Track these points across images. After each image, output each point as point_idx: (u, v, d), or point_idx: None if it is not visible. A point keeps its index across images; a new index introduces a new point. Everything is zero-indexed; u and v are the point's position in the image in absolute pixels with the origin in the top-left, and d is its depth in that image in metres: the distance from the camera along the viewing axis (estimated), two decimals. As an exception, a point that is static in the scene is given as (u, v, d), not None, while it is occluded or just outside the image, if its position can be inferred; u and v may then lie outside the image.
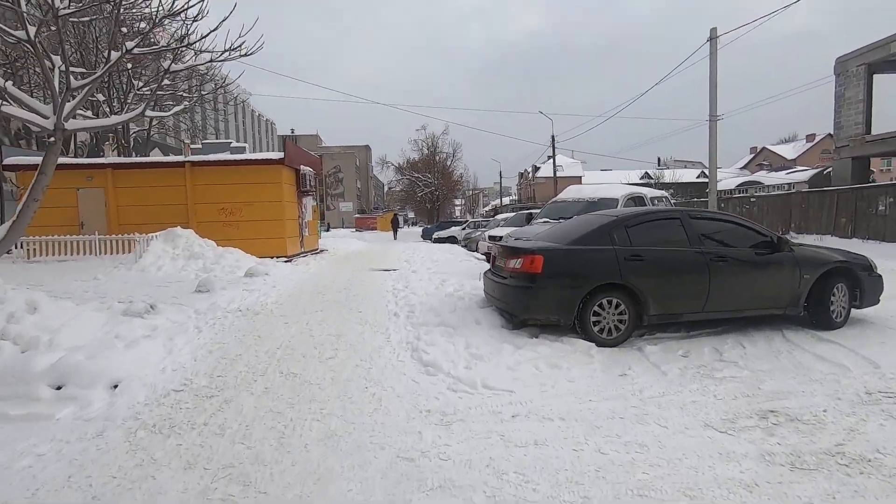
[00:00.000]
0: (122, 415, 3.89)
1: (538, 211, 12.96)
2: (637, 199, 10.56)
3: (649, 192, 11.63)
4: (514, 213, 16.25)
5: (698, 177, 70.54)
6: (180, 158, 14.36)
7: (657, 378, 4.60)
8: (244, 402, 4.09)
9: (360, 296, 8.42)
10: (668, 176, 59.72)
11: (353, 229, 66.00)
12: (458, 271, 10.88)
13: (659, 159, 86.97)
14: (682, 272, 5.81)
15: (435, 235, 26.15)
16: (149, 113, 7.62)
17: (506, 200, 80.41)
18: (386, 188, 55.27)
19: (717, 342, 5.59)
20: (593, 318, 5.64)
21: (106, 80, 14.26)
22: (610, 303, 5.68)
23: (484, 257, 15.56)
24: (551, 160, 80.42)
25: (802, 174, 54.30)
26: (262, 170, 14.43)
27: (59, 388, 4.17)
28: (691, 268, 5.81)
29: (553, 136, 40.95)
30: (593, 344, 5.52)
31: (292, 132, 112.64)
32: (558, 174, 79.10)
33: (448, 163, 39.18)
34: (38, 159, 8.77)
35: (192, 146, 16.00)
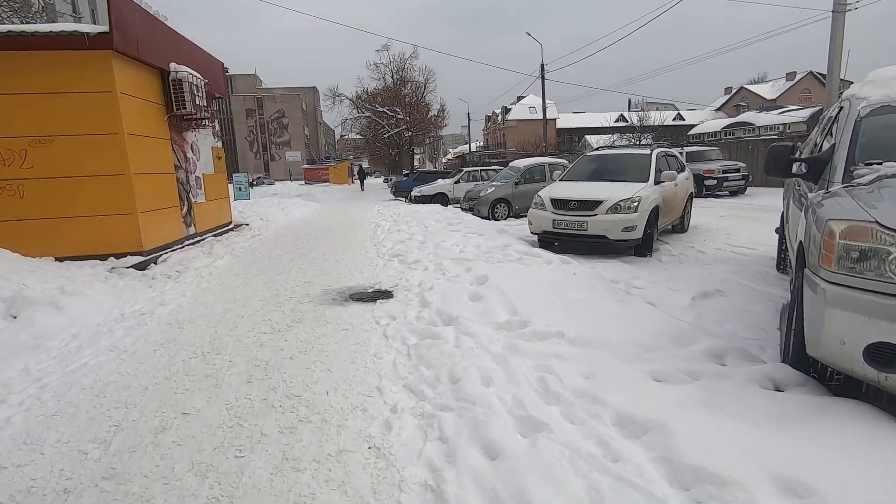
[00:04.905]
0: None
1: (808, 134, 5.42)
2: None
3: None
4: (627, 145, 8.65)
5: (675, 119, 65.66)
6: None
7: None
8: None
9: None
10: (655, 118, 52.90)
11: (302, 181, 56.63)
12: (582, 315, 3.66)
13: (630, 101, 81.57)
14: None
15: (415, 191, 18.53)
16: None
17: (466, 148, 72.52)
18: (338, 134, 45.90)
19: None
20: None
21: None
22: None
23: (536, 237, 8.32)
24: (522, 101, 72.68)
25: (797, 113, 48.88)
26: (62, 61, 6.35)
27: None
28: None
29: (543, 65, 32.78)
30: None
31: (226, 71, 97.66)
32: (530, 116, 71.87)
33: (419, 94, 30.65)
34: None
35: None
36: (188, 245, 8.36)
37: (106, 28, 6.33)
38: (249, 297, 5.17)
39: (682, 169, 9.58)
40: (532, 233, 8.39)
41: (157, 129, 7.83)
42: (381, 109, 28.33)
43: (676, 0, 17.44)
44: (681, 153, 14.66)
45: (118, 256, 6.77)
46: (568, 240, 7.71)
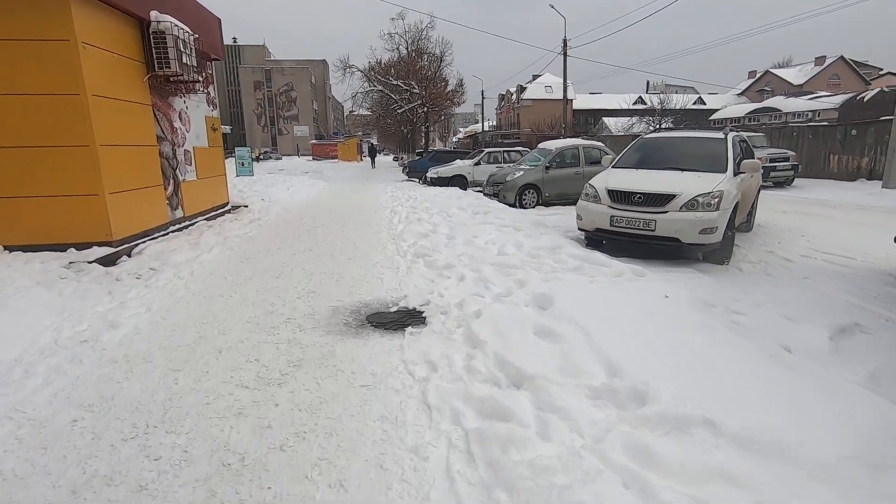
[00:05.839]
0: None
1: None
2: None
3: None
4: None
5: (695, 103, 63.21)
6: None
7: None
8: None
9: None
10: (678, 101, 49.87)
11: (310, 157, 55.05)
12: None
13: (648, 83, 78.72)
14: None
15: (431, 173, 17.02)
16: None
17: (478, 128, 70.37)
18: (348, 109, 43.98)
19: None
20: None
21: None
22: None
23: (583, 234, 6.95)
24: (538, 80, 70.21)
25: (829, 100, 46.40)
26: (6, -1, 5.02)
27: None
28: None
29: (566, 40, 30.83)
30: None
31: (234, 41, 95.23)
32: (546, 96, 69.54)
33: (436, 67, 28.58)
34: None
35: None
36: (173, 232, 7.08)
37: (59, -45, 4.93)
38: (235, 316, 3.88)
39: (751, 156, 8.15)
40: (580, 229, 7.03)
41: (135, 91, 6.46)
42: (394, 82, 26.49)
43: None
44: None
45: (81, 247, 5.51)
46: (628, 241, 6.34)
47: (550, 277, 4.70)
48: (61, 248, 5.46)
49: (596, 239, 6.88)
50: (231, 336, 3.46)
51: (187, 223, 7.69)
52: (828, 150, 18.12)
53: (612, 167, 7.51)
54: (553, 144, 13.01)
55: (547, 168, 12.05)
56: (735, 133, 7.54)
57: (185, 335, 3.47)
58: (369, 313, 3.96)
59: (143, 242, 6.22)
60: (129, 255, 5.84)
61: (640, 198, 6.15)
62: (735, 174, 6.50)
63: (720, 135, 7.24)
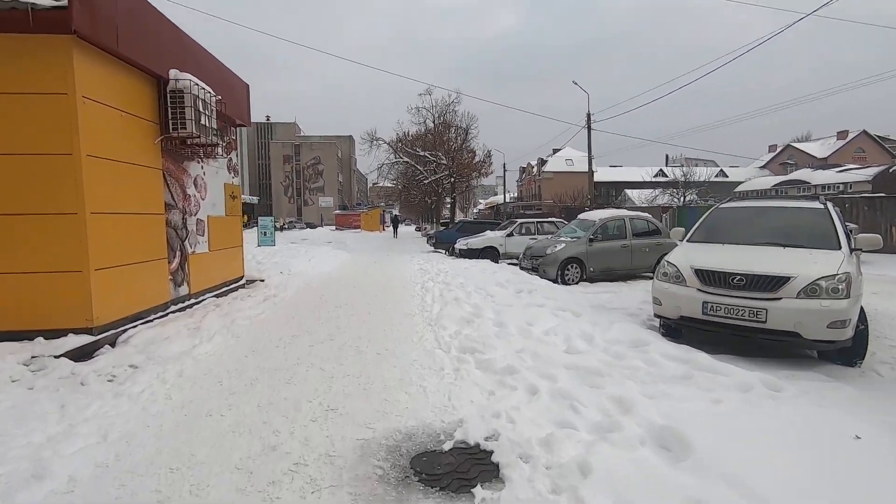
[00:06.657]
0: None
1: None
2: None
3: None
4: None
5: (717, 175, 63.15)
6: None
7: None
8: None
9: None
10: (701, 173, 49.25)
11: (333, 227, 55.56)
12: None
13: (667, 157, 79.37)
14: None
15: (460, 244, 16.06)
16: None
17: (498, 199, 70.89)
18: (372, 181, 44.84)
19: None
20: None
21: None
22: None
23: (658, 321, 5.70)
24: (558, 153, 71.36)
25: (860, 172, 45.32)
26: None
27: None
28: None
29: (589, 114, 30.97)
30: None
31: (267, 119, 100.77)
32: (567, 169, 70.24)
33: (461, 139, 28.76)
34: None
35: None
36: (173, 312, 6.05)
37: (64, 1, 4.31)
38: (220, 456, 2.68)
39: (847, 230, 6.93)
40: (658, 315, 5.75)
41: (143, 153, 5.71)
42: (422, 154, 26.54)
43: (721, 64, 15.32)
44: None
45: (51, 335, 4.47)
46: (729, 334, 5.03)
47: (656, 393, 3.42)
48: (30, 335, 4.44)
49: (677, 328, 5.61)
50: (206, 502, 2.24)
51: (192, 301, 6.69)
52: (888, 223, 16.77)
53: (688, 241, 6.35)
54: (596, 215, 12.00)
55: (591, 240, 10.97)
56: (832, 202, 6.39)
57: (138, 498, 2.26)
58: (413, 454, 2.71)
59: (134, 327, 5.18)
60: (113, 345, 4.78)
61: (740, 280, 4.92)
62: (850, 251, 5.27)
63: (817, 204, 6.09)
